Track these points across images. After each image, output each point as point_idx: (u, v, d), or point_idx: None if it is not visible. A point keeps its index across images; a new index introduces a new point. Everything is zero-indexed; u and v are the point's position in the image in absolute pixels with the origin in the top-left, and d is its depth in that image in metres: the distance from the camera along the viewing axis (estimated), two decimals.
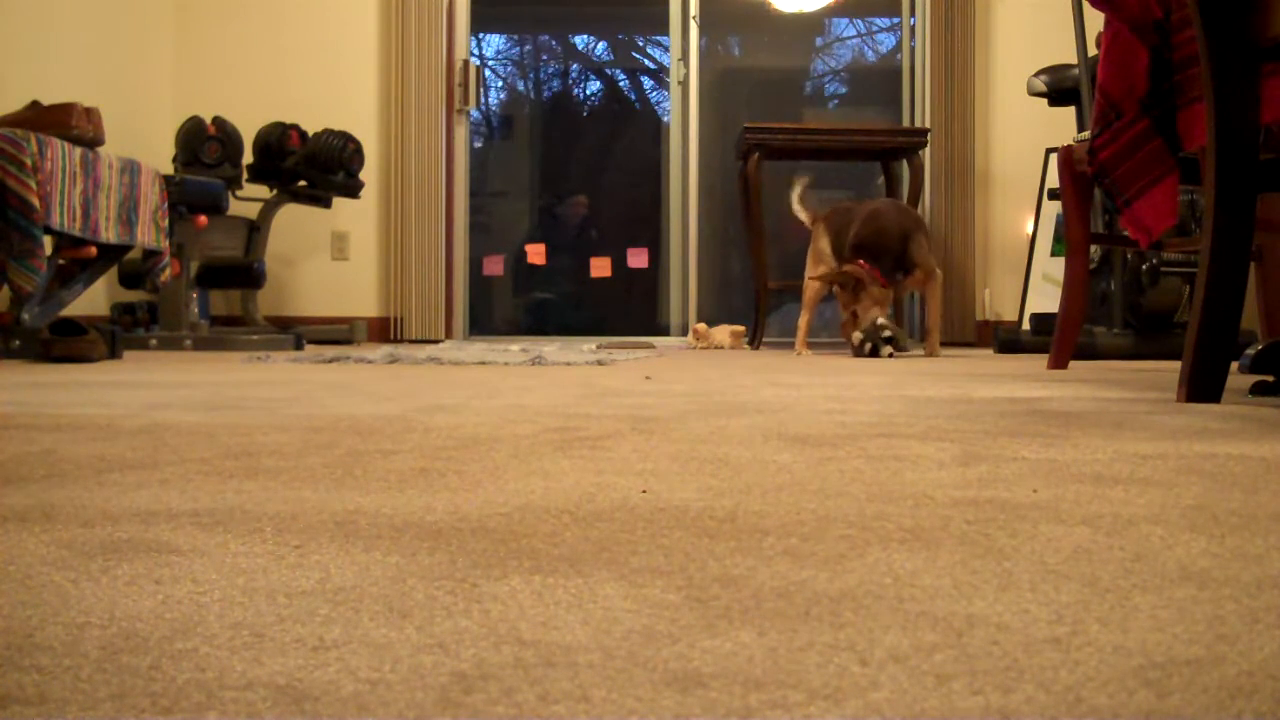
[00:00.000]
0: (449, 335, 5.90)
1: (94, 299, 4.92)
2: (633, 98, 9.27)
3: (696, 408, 1.71)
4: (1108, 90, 2.41)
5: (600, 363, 3.38)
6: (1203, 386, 1.86)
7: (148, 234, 3.98)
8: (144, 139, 5.17)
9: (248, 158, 5.24)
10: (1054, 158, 4.22)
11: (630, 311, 7.33)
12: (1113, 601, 0.57)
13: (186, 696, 0.42)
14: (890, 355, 4.04)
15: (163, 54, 5.80)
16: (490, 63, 9.00)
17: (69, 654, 0.47)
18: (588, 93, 9.33)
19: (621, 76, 9.35)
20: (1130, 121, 2.38)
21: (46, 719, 0.40)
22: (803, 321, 4.50)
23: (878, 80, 8.11)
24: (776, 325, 5.93)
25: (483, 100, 6.77)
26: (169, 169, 4.93)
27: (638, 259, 6.73)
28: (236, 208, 5.09)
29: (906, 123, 6.06)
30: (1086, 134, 2.96)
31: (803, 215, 4.67)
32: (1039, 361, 3.52)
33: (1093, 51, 3.47)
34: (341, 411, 1.64)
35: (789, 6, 6.25)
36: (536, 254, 6.92)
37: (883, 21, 8.29)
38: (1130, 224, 2.48)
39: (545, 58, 9.44)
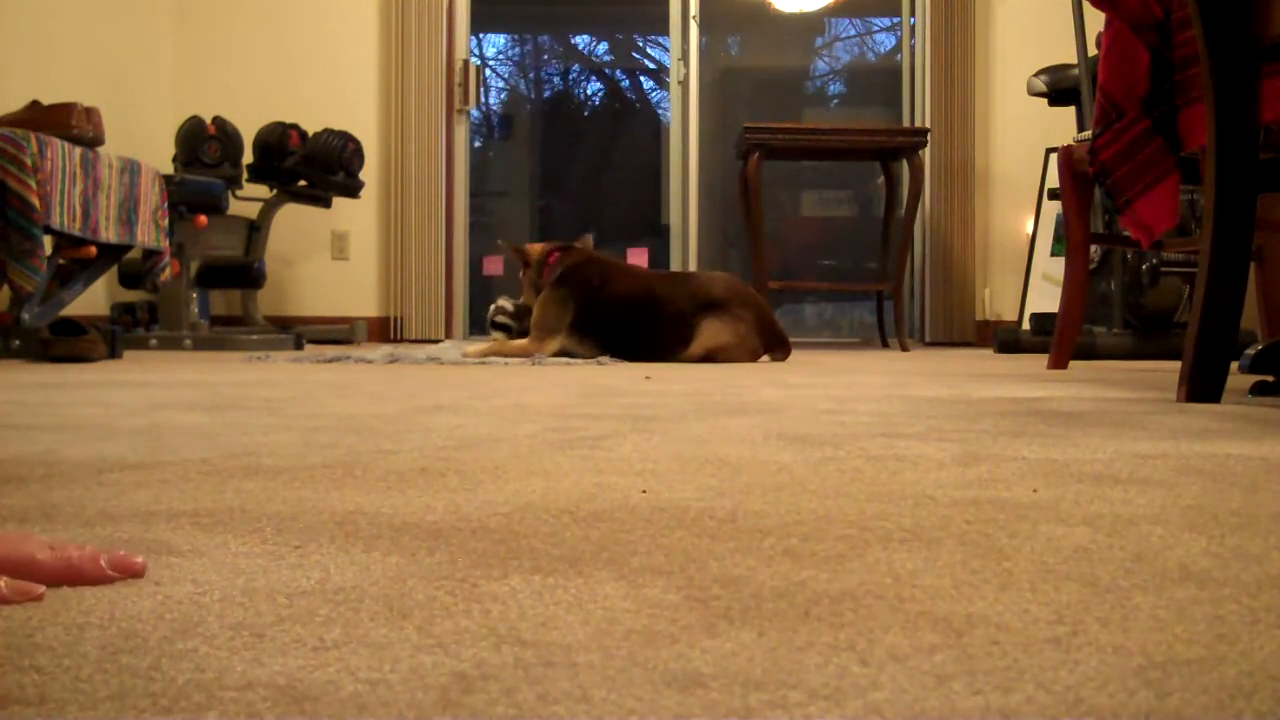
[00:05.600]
0: (449, 335, 5.90)
1: (94, 299, 4.92)
2: (633, 98, 9.26)
3: (696, 407, 1.71)
4: (1109, 90, 2.41)
5: (600, 363, 3.38)
6: (1203, 386, 1.86)
7: (148, 234, 3.97)
8: (144, 139, 5.17)
9: (248, 158, 5.24)
10: (1054, 158, 4.22)
11: None
12: (1113, 601, 0.57)
13: (186, 696, 0.42)
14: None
15: (163, 54, 5.80)
16: (490, 63, 9.00)
17: (69, 654, 0.47)
18: (588, 93, 9.32)
19: (621, 76, 9.34)
20: (1131, 121, 2.38)
21: (46, 719, 0.40)
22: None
23: (878, 80, 8.11)
24: None
25: (483, 100, 6.76)
26: (169, 169, 4.93)
27: (638, 259, 6.72)
28: (236, 208, 5.09)
29: (906, 123, 6.06)
30: (1087, 134, 2.96)
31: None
32: (1039, 361, 3.52)
33: (1093, 51, 3.47)
34: (341, 411, 1.64)
35: (789, 6, 6.25)
36: None
37: (883, 21, 8.29)
38: (1131, 224, 2.48)
39: (545, 58, 9.43)
